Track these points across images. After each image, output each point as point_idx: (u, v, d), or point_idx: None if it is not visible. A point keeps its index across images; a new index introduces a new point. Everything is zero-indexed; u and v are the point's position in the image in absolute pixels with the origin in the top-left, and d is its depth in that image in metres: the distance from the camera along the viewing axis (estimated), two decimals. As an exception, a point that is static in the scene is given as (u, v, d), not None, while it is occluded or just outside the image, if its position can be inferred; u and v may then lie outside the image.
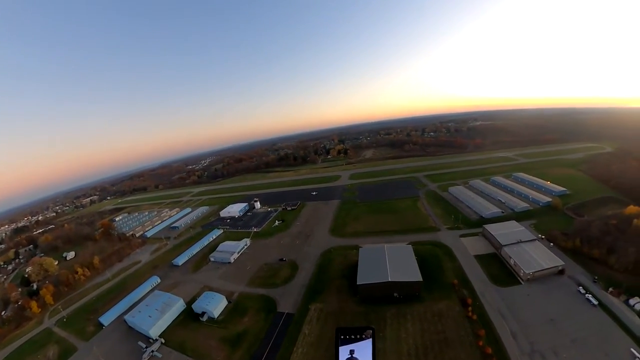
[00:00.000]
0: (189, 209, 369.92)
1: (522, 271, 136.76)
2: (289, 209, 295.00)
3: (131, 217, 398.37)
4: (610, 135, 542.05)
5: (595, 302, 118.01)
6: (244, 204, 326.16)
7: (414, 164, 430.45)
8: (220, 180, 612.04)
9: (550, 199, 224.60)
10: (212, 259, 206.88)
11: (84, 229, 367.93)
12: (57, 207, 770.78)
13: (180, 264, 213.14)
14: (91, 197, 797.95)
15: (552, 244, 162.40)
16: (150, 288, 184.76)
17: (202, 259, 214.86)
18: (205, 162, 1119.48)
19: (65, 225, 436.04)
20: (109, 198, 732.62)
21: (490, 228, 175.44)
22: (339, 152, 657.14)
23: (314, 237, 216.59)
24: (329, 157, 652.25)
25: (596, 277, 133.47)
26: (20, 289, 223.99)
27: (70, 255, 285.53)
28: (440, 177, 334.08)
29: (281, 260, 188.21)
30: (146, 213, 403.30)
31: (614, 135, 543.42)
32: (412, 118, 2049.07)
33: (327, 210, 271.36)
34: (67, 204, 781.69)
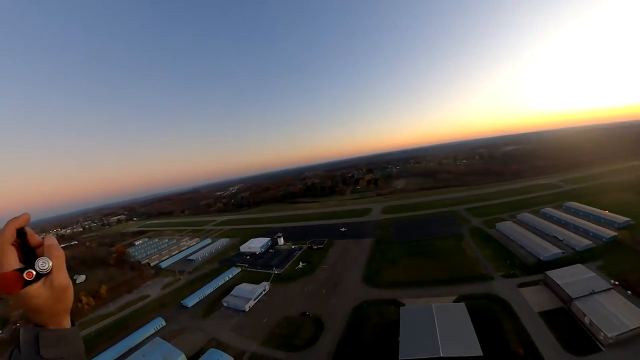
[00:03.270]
0: (208, 240, 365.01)
1: (601, 334, 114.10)
2: (314, 247, 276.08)
3: (151, 242, 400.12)
4: None
5: None
6: (267, 239, 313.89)
7: (452, 196, 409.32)
8: (245, 209, 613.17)
9: (615, 233, 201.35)
10: (225, 304, 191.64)
11: (100, 251, 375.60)
12: (86, 223, 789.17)
13: (190, 305, 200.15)
14: (119, 217, 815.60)
15: (629, 292, 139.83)
16: (152, 332, 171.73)
17: (214, 301, 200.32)
18: (233, 189, 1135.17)
19: (87, 243, 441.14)
20: (135, 219, 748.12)
21: (554, 275, 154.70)
22: (368, 182, 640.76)
23: (344, 285, 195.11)
24: (357, 187, 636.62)
25: None
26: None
27: (81, 278, 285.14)
28: (483, 210, 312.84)
29: (304, 314, 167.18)
30: (166, 240, 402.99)
31: None
32: (438, 145, 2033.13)
33: (359, 252, 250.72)
34: (96, 220, 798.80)
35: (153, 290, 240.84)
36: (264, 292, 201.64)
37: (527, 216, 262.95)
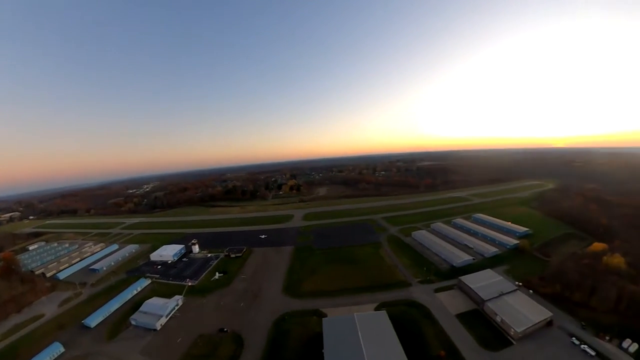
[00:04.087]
0: (115, 246, 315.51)
1: (512, 330, 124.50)
2: (232, 256, 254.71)
3: (49, 247, 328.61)
4: (545, 173, 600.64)
5: (593, 353, 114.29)
6: (180, 246, 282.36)
7: (371, 205, 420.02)
8: (159, 211, 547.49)
9: (517, 241, 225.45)
10: (133, 322, 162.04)
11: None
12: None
13: (93, 325, 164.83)
14: (11, 214, 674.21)
15: (531, 291, 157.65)
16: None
17: (121, 319, 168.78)
18: (147, 187, 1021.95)
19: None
20: (31, 217, 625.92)
21: (467, 280, 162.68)
22: (291, 187, 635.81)
23: (264, 297, 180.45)
24: (280, 192, 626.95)
25: (584, 323, 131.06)
26: None
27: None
28: (400, 219, 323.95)
29: (222, 330, 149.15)
30: (67, 245, 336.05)
31: (548, 173, 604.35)
32: (359, 156, 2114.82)
33: (279, 260, 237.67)
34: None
35: (49, 307, 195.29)
36: (177, 307, 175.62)
37: (440, 226, 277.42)
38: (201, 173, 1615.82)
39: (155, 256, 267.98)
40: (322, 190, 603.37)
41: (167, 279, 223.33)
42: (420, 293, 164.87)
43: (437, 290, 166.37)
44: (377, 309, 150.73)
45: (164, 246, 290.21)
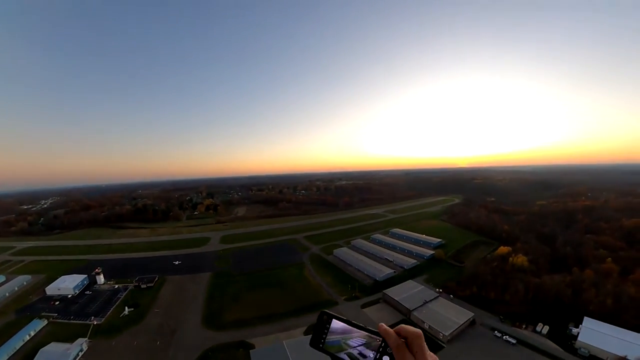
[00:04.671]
0: (2, 277, 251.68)
1: (440, 334, 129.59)
2: (143, 286, 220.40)
3: None
4: (451, 189, 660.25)
5: (514, 341, 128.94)
6: (83, 277, 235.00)
7: (292, 224, 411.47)
8: (57, 232, 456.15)
9: (432, 252, 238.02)
10: None
11: None
12: None
13: None
14: None
15: (451, 295, 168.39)
16: None
17: None
18: (45, 203, 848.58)
19: None
20: None
21: (391, 292, 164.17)
22: (207, 207, 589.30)
23: (182, 332, 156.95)
24: (195, 213, 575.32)
25: (502, 317, 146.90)
26: None
27: None
28: (321, 237, 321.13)
29: None
30: None
31: (454, 189, 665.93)
32: (282, 175, 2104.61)
33: (196, 288, 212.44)
34: None
35: None
36: (81, 354, 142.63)
37: (360, 242, 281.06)
38: (109, 188, 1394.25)
39: (52, 289, 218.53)
40: (241, 210, 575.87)
41: (68, 317, 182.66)
42: (347, 310, 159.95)
43: (363, 306, 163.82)
44: (306, 332, 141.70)
45: (63, 277, 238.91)
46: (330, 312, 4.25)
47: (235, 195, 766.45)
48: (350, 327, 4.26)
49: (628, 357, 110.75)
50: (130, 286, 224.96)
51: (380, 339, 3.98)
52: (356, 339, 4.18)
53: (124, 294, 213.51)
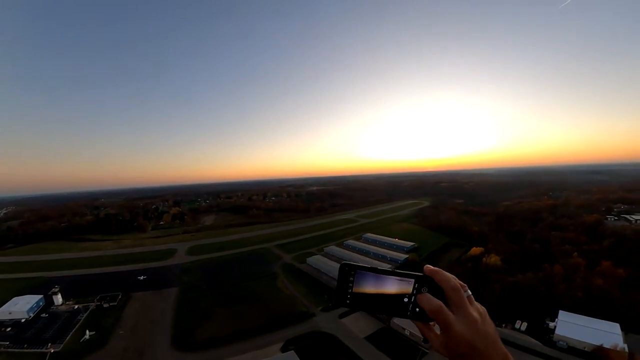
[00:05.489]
0: None
1: (422, 340, 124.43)
2: (105, 305, 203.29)
3: None
4: (420, 193, 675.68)
5: None
6: (38, 297, 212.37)
7: (262, 232, 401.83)
8: (11, 247, 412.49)
9: (406, 255, 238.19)
10: None
11: None
12: None
13: None
14: None
15: None
16: None
17: None
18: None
19: None
20: None
21: None
22: (174, 216, 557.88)
23: (150, 355, 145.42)
24: (161, 222, 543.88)
25: None
26: None
27: None
28: (293, 245, 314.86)
29: None
30: None
31: (423, 193, 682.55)
32: (251, 181, 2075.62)
33: (163, 306, 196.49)
34: None
35: None
36: None
37: (333, 249, 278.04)
38: (70, 197, 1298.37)
39: (2, 314, 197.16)
40: (208, 219, 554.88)
41: (21, 345, 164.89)
42: (325, 322, 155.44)
43: (341, 316, 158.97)
44: (283, 348, 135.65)
45: (15, 298, 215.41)
46: (351, 263, 4.12)
47: (203, 203, 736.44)
48: (376, 274, 4.08)
49: (604, 345, 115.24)
50: (92, 306, 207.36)
51: (412, 280, 3.81)
52: (386, 285, 4.01)
53: (85, 315, 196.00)
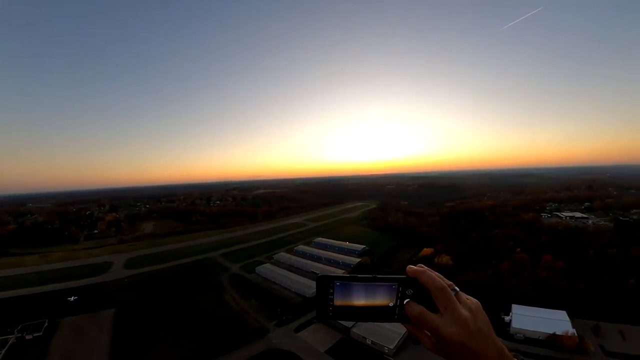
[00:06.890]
0: None
1: (385, 348, 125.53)
2: (29, 337, 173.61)
3: None
4: (366, 195, 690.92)
5: None
6: None
7: (207, 240, 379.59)
8: None
9: (358, 259, 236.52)
10: None
11: None
12: None
13: None
14: None
15: None
16: None
17: None
18: None
19: None
20: None
21: None
22: (109, 224, 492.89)
23: None
24: (95, 231, 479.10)
25: None
26: None
27: None
28: (240, 254, 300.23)
29: None
30: None
31: (369, 195, 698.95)
32: (195, 184, 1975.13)
33: (98, 333, 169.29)
34: None
35: None
36: None
37: (284, 256, 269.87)
38: None
39: None
40: (148, 226, 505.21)
41: None
42: (281, 338, 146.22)
43: (297, 330, 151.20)
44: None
45: None
46: (329, 275, 3.95)
47: (143, 208, 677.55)
48: (356, 282, 3.87)
49: (557, 333, 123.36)
50: (12, 339, 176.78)
51: (395, 284, 3.65)
52: (368, 292, 3.84)
53: (4, 351, 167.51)
